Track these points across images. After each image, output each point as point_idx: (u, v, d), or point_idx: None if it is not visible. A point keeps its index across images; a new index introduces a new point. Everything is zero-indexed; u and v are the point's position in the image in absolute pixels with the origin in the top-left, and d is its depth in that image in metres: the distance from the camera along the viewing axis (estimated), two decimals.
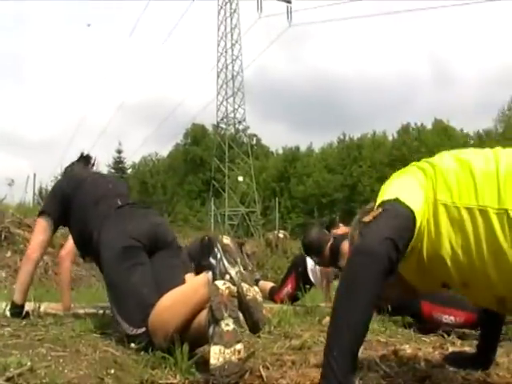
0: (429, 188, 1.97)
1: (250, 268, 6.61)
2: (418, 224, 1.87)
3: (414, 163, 2.16)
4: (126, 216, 3.05)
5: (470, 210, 1.87)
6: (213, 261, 2.39)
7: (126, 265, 2.79)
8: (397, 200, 1.89)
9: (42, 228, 3.37)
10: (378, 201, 1.97)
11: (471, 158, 2.01)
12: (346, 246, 4.40)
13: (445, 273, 1.97)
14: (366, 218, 1.85)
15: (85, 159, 3.80)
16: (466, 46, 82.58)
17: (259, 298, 2.33)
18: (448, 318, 3.63)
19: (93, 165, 3.83)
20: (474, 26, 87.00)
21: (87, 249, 3.23)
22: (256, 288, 2.34)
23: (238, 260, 2.39)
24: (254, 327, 2.31)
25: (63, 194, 3.36)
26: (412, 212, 1.86)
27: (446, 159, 2.06)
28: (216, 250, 2.40)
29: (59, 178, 3.76)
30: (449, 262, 1.93)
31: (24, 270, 3.39)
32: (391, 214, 1.85)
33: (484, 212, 1.84)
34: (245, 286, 2.28)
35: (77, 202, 3.26)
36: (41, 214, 3.41)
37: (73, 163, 3.80)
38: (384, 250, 1.73)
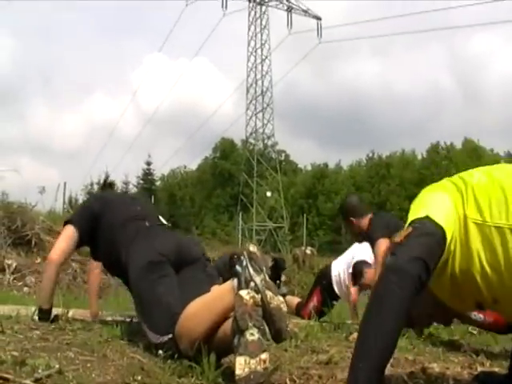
0: (459, 204, 1.96)
1: (280, 281, 6.64)
2: (448, 240, 1.86)
3: (446, 178, 2.14)
4: (153, 234, 3.13)
5: (499, 229, 1.86)
6: (238, 268, 2.39)
7: (152, 277, 2.84)
8: (427, 218, 1.88)
9: (68, 236, 3.41)
10: (410, 217, 1.96)
11: (503, 175, 1.99)
12: (381, 247, 4.37)
13: (476, 289, 1.95)
14: (397, 238, 1.85)
15: (109, 185, 3.86)
16: (496, 62, 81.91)
17: (283, 307, 2.31)
18: (477, 315, 3.57)
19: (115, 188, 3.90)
20: (505, 42, 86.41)
21: (115, 268, 3.31)
22: (280, 298, 2.33)
23: (264, 268, 2.38)
24: (277, 336, 2.29)
25: (92, 213, 3.42)
26: (442, 229, 1.85)
27: (477, 175, 2.04)
28: (242, 257, 2.40)
29: (88, 197, 3.83)
30: (478, 278, 1.92)
31: (46, 276, 3.43)
32: (421, 232, 1.84)
33: None
34: (269, 293, 2.27)
35: (105, 222, 3.32)
36: (68, 222, 3.46)
37: (99, 189, 3.87)
38: (415, 269, 1.74)
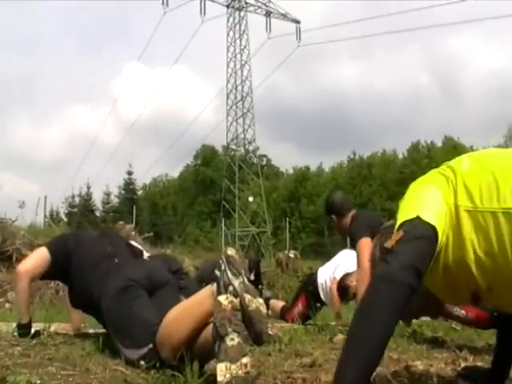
0: (450, 194, 1.96)
1: (263, 285, 6.61)
2: (440, 237, 1.86)
3: (435, 169, 2.15)
4: (123, 266, 3.17)
5: (492, 214, 1.86)
6: (217, 272, 2.39)
7: (125, 300, 2.87)
8: (418, 218, 1.86)
9: (39, 255, 3.43)
10: (399, 218, 1.94)
11: (492, 160, 2.01)
12: (362, 246, 4.39)
13: (471, 278, 1.96)
14: (388, 244, 1.82)
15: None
16: (474, 60, 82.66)
17: (263, 309, 2.31)
18: (459, 311, 3.59)
19: None
20: (482, 41, 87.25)
21: (87, 307, 3.35)
22: (260, 300, 2.32)
23: (242, 271, 2.38)
24: (257, 338, 2.28)
25: (66, 247, 3.44)
26: (434, 228, 1.85)
27: (466, 162, 2.05)
28: (220, 261, 2.40)
29: (65, 232, 3.85)
30: (473, 267, 1.92)
31: (17, 290, 3.43)
32: (413, 236, 1.82)
33: (507, 214, 1.83)
34: (247, 296, 2.27)
35: (76, 261, 3.35)
36: (44, 246, 3.46)
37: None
38: (406, 278, 1.73)
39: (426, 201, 1.96)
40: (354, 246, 4.79)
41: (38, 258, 3.40)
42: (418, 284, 1.75)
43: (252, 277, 6.72)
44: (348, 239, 5.40)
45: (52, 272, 3.43)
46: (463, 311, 3.58)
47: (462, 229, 1.92)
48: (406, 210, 1.97)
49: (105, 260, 3.24)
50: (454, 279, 2.01)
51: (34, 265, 3.38)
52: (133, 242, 3.55)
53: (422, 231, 1.84)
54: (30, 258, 3.46)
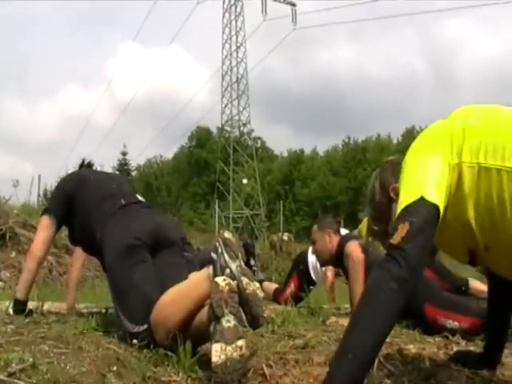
0: (454, 154, 1.96)
1: (256, 267, 6.61)
2: (442, 210, 1.88)
3: (444, 119, 2.14)
4: (130, 215, 3.06)
5: (496, 171, 1.87)
6: (214, 255, 2.38)
7: (128, 263, 2.80)
8: (421, 199, 1.87)
9: (45, 226, 3.38)
10: (403, 197, 1.93)
11: (501, 117, 2.01)
12: (351, 247, 4.38)
13: (469, 235, 1.97)
14: (395, 239, 1.81)
15: (87, 166, 3.80)
16: (469, 46, 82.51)
17: (259, 293, 2.31)
18: (452, 324, 3.59)
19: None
20: (478, 27, 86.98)
21: (89, 247, 3.29)
22: (256, 283, 2.32)
23: (239, 254, 2.37)
24: (254, 322, 2.28)
25: (66, 193, 3.37)
26: (437, 207, 1.86)
27: (474, 117, 2.04)
28: (217, 244, 2.39)
29: (62, 178, 3.75)
30: (473, 224, 1.93)
31: (27, 267, 3.40)
32: (418, 226, 1.82)
33: (510, 173, 1.84)
34: (244, 279, 2.27)
35: (80, 200, 3.27)
36: (44, 212, 3.43)
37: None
38: (415, 279, 1.78)
39: (428, 173, 1.95)
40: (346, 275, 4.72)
41: (43, 231, 3.38)
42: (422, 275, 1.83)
43: (252, 262, 6.74)
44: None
45: (59, 226, 3.43)
46: (456, 322, 3.58)
47: (463, 185, 1.93)
48: (409, 186, 1.96)
49: (110, 198, 3.17)
50: (452, 235, 2.04)
51: (42, 242, 3.36)
52: (138, 196, 3.45)
53: (426, 217, 1.85)
54: (37, 235, 3.42)
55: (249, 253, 7.01)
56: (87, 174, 3.51)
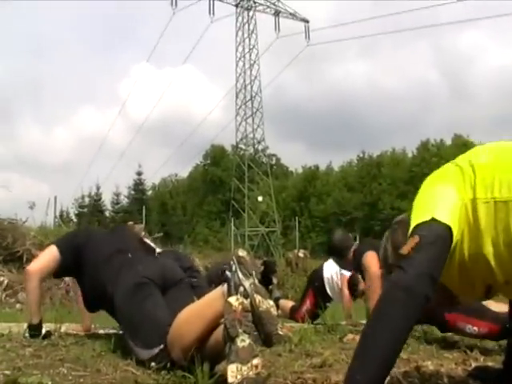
0: (466, 189, 1.95)
1: (273, 285, 6.62)
2: (455, 236, 1.85)
3: (451, 162, 2.14)
4: (136, 261, 3.17)
5: (510, 204, 1.86)
6: (228, 273, 2.39)
7: (138, 297, 2.86)
8: (432, 220, 1.85)
9: (49, 253, 3.44)
10: (414, 218, 1.92)
11: (510, 152, 2.00)
12: (368, 259, 4.36)
13: (487, 271, 1.95)
14: (404, 250, 1.80)
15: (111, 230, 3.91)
16: (483, 58, 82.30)
17: (273, 311, 2.31)
18: (472, 329, 3.59)
19: None
20: (491, 38, 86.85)
21: (100, 302, 3.32)
22: (270, 301, 2.32)
23: (253, 272, 2.38)
24: (267, 340, 2.28)
25: (77, 243, 3.46)
26: (449, 228, 1.84)
27: (484, 155, 2.04)
28: (231, 262, 2.40)
29: (75, 228, 3.88)
30: (491, 259, 1.92)
31: (28, 290, 3.44)
32: (428, 241, 1.80)
33: None
34: (258, 297, 2.27)
35: (89, 256, 3.35)
36: (53, 244, 3.47)
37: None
38: (423, 288, 1.73)
39: (440, 200, 1.95)
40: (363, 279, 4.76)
41: (47, 256, 3.42)
42: (432, 292, 1.75)
43: (275, 280, 6.77)
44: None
45: (63, 269, 3.45)
46: (475, 327, 3.59)
47: (479, 222, 1.92)
48: (421, 210, 1.96)
49: (118, 255, 3.25)
50: (469, 274, 2.01)
51: (43, 264, 3.40)
52: (145, 239, 3.53)
53: (437, 233, 1.83)
54: (39, 258, 3.48)
55: (271, 271, 7.04)
56: (96, 233, 3.59)
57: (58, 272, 3.50)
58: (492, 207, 1.90)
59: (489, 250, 1.91)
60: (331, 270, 5.84)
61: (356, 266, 4.75)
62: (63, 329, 3.61)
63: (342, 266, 5.25)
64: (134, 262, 3.17)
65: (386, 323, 1.72)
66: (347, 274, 5.58)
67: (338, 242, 5.09)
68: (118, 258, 3.22)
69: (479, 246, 1.93)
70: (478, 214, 1.92)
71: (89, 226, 3.60)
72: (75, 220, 41.42)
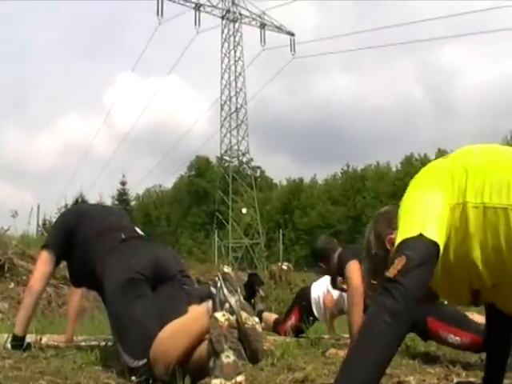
0: (455, 192, 1.95)
1: (256, 298, 6.57)
2: (441, 249, 1.85)
3: (443, 158, 2.15)
4: (130, 249, 3.07)
5: (502, 210, 1.86)
6: (213, 289, 2.38)
7: (128, 297, 2.80)
8: (420, 236, 1.84)
9: (44, 261, 3.40)
10: (400, 233, 1.91)
11: (501, 156, 2.02)
12: (351, 268, 4.36)
13: (475, 276, 1.96)
14: (391, 273, 1.79)
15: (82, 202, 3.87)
16: (466, 74, 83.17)
17: (258, 328, 2.30)
18: (454, 338, 3.59)
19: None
20: (474, 54, 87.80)
21: (88, 280, 3.28)
22: (256, 318, 2.32)
23: (238, 289, 2.38)
24: (253, 357, 2.28)
25: (66, 228, 3.40)
26: (436, 245, 1.84)
27: (476, 157, 2.04)
28: (216, 278, 2.40)
29: (61, 213, 3.79)
30: (479, 264, 1.92)
31: (26, 303, 3.41)
32: (415, 263, 1.79)
33: None
34: (244, 314, 2.26)
35: (80, 234, 3.29)
36: (43, 247, 3.44)
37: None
38: (410, 313, 1.75)
39: (427, 210, 1.94)
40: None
41: (42, 266, 3.40)
42: (417, 313, 1.78)
43: (261, 292, 6.74)
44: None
45: (59, 261, 3.46)
46: (457, 338, 3.59)
47: (467, 226, 1.92)
48: (408, 221, 1.94)
49: (109, 232, 3.19)
50: (455, 278, 2.02)
51: (41, 276, 3.38)
52: (136, 229, 3.48)
53: (424, 254, 1.82)
54: (36, 270, 3.45)
55: (257, 283, 7.01)
56: (86, 208, 3.55)
57: (57, 265, 3.48)
58: (481, 212, 1.90)
59: (477, 253, 1.92)
60: (319, 290, 5.82)
61: (339, 271, 4.72)
62: (44, 340, 3.57)
63: (327, 272, 5.17)
64: (126, 247, 3.08)
65: (374, 345, 1.72)
66: (334, 292, 5.55)
67: (322, 245, 5.07)
68: (110, 235, 3.16)
69: (467, 249, 1.93)
70: (467, 218, 1.92)
71: (79, 205, 3.52)
72: None
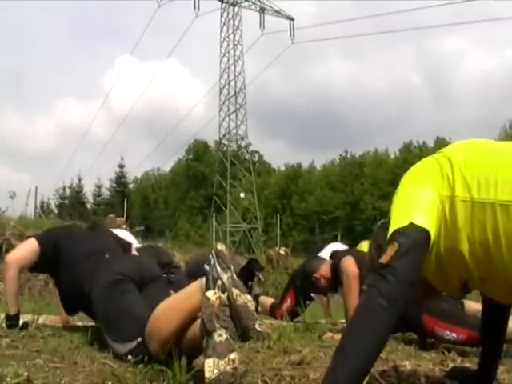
0: (444, 186, 1.96)
1: (253, 282, 6.59)
2: (432, 239, 1.87)
3: (431, 156, 2.15)
4: (113, 260, 3.17)
5: (488, 205, 1.87)
6: (206, 267, 2.39)
7: (115, 293, 2.86)
8: (411, 225, 1.87)
9: (29, 245, 3.42)
10: (393, 223, 1.93)
11: (490, 151, 2.02)
12: (346, 262, 4.37)
13: (463, 268, 1.97)
14: (384, 259, 1.82)
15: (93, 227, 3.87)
16: (466, 62, 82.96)
17: (250, 305, 2.30)
18: (450, 335, 3.60)
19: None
20: (474, 42, 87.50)
21: (77, 303, 3.30)
22: (248, 296, 2.32)
23: (231, 266, 2.38)
24: (244, 334, 2.28)
25: (56, 239, 3.43)
26: (427, 232, 1.86)
27: (463, 152, 2.05)
28: (210, 255, 2.40)
29: (57, 226, 3.88)
30: (467, 257, 1.93)
31: (6, 279, 3.39)
32: (408, 248, 1.82)
33: (504, 207, 1.84)
34: (235, 291, 2.26)
35: (66, 254, 3.34)
36: (33, 237, 3.45)
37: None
38: (404, 296, 1.77)
39: (417, 201, 1.96)
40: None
41: (26, 248, 3.39)
42: (411, 295, 1.79)
43: (261, 277, 6.76)
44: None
45: (41, 264, 3.42)
46: (454, 334, 3.59)
47: (456, 219, 1.93)
48: (399, 213, 1.97)
49: (95, 254, 3.24)
50: (445, 269, 2.03)
51: (22, 254, 3.37)
52: (121, 233, 3.52)
53: (416, 239, 1.85)
54: (18, 248, 3.46)
55: (257, 268, 7.02)
56: (77, 232, 3.60)
57: (36, 266, 3.46)
58: (470, 206, 1.91)
59: (465, 246, 1.93)
60: None
61: (335, 281, 4.70)
62: (41, 320, 3.59)
63: (322, 290, 5.17)
64: (110, 261, 3.17)
65: (368, 327, 1.73)
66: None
67: (310, 261, 5.10)
68: (96, 257, 3.22)
69: (455, 242, 1.94)
70: (455, 211, 1.93)
71: (68, 224, 3.62)
72: (56, 211, 41.21)
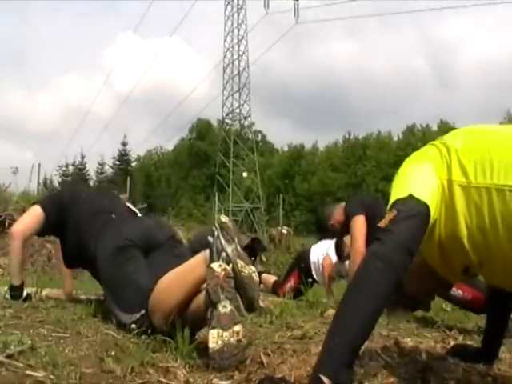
0: (443, 169, 1.96)
1: (256, 260, 6.61)
2: (432, 213, 1.87)
3: (430, 143, 2.15)
4: (120, 223, 3.15)
5: (485, 189, 1.86)
6: (210, 239, 2.39)
7: (120, 260, 2.86)
8: (410, 196, 1.87)
9: (33, 213, 3.42)
10: (393, 195, 1.94)
11: (487, 136, 2.01)
12: (357, 225, 4.32)
13: (462, 253, 1.96)
14: (382, 224, 1.82)
15: (83, 180, 3.87)
16: (469, 46, 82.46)
17: (255, 276, 2.31)
18: (456, 291, 3.59)
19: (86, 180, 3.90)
20: (478, 26, 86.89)
21: (81, 261, 3.32)
22: (252, 267, 2.33)
23: (235, 238, 2.38)
24: (249, 305, 2.28)
25: (61, 202, 3.42)
26: (426, 205, 1.85)
27: (460, 138, 2.05)
28: (214, 228, 2.40)
29: (61, 187, 3.84)
30: (465, 241, 1.93)
31: (11, 251, 3.40)
32: (406, 215, 1.82)
33: (501, 191, 1.83)
34: (240, 262, 2.27)
35: (72, 215, 3.33)
36: (37, 203, 3.44)
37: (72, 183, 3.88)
38: (400, 259, 1.75)
39: (418, 178, 1.97)
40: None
41: (30, 217, 3.39)
42: (409, 263, 1.77)
43: (264, 258, 6.77)
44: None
45: (47, 228, 3.43)
46: (460, 291, 3.59)
47: (455, 203, 1.93)
48: (399, 188, 1.97)
49: (101, 214, 3.24)
50: (447, 254, 2.03)
51: (26, 225, 3.37)
52: (129, 204, 3.52)
53: (415, 209, 1.85)
54: (22, 218, 3.45)
55: (260, 248, 7.04)
56: (82, 191, 3.56)
57: (42, 232, 3.48)
58: (466, 191, 1.90)
59: (463, 231, 1.92)
60: (318, 253, 5.83)
61: (345, 227, 4.66)
62: (44, 293, 3.60)
63: (340, 225, 5.11)
64: (117, 223, 3.16)
65: (364, 291, 1.73)
66: (333, 255, 5.55)
67: (326, 210, 5.05)
68: (102, 217, 3.21)
69: (454, 226, 1.94)
70: (453, 196, 1.93)
71: (72, 182, 3.62)
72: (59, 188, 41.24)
